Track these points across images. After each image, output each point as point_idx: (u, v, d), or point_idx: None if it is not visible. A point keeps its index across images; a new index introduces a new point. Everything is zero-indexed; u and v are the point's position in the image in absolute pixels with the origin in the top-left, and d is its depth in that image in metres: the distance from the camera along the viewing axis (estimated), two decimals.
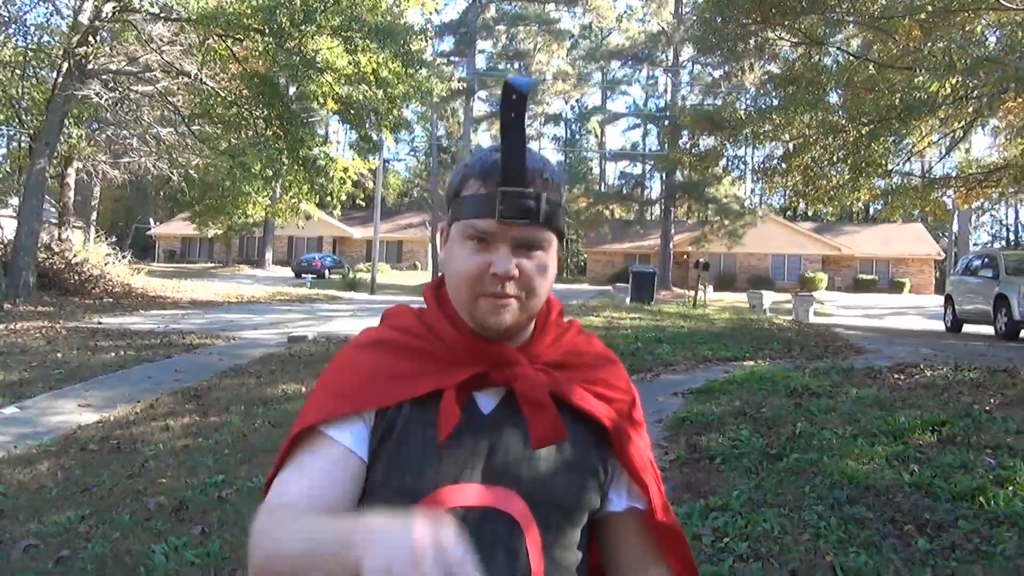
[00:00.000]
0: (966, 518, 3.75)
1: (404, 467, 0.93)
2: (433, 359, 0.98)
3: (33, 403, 6.52)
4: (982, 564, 3.32)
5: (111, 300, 16.88)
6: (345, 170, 19.22)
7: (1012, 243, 57.00)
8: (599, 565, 1.07)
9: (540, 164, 0.96)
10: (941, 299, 17.52)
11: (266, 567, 0.79)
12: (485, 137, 56.16)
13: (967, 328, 14.87)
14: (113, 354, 9.10)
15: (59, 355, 8.85)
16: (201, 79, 16.59)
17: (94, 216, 30.60)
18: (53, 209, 24.07)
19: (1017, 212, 57.94)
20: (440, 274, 1.05)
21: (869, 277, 40.16)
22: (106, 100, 16.80)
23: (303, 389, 7.10)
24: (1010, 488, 4.09)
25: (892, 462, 4.65)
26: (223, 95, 17.25)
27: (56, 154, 18.42)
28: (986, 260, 14.52)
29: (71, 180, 22.67)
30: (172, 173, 22.41)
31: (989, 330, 13.65)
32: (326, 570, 0.70)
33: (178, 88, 17.93)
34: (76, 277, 17.88)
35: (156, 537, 3.63)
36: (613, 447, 1.00)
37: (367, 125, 19.28)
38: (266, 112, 17.14)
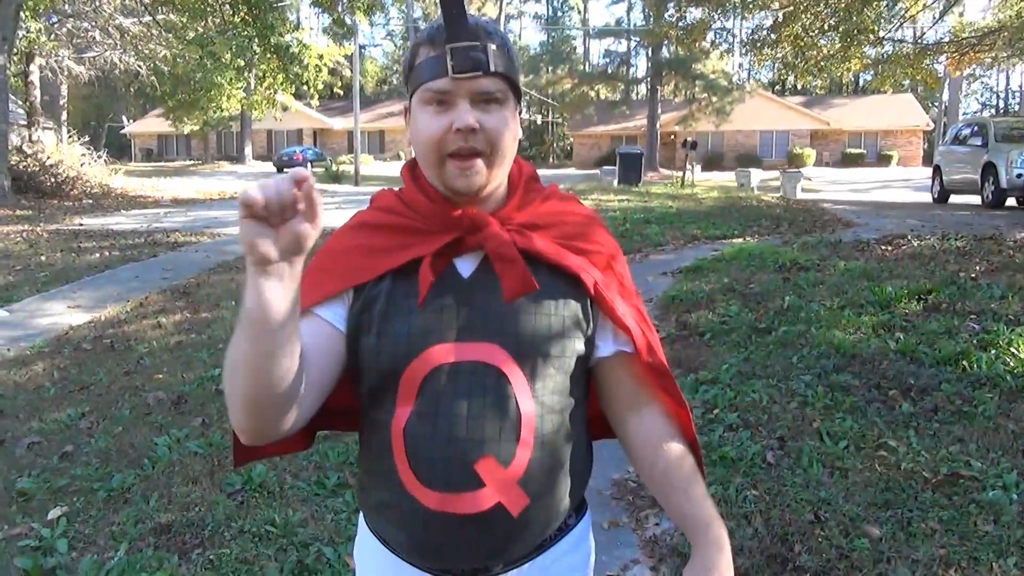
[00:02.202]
0: (949, 382, 3.86)
1: (391, 334, 0.99)
2: (411, 232, 1.03)
3: (21, 306, 6.49)
4: (963, 424, 3.43)
5: (90, 201, 16.58)
6: (320, 57, 18.50)
7: (1002, 111, 56.34)
8: (600, 415, 1.14)
9: (482, 21, 0.99)
10: (928, 171, 17.45)
11: (227, 381, 0.88)
12: None
13: (954, 199, 14.88)
14: (98, 255, 9.01)
15: (43, 258, 8.75)
16: None
17: (64, 116, 29.52)
18: (20, 110, 23.23)
19: (1008, 78, 56.99)
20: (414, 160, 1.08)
21: (857, 151, 39.80)
22: None
23: None
24: (992, 351, 4.18)
25: (878, 331, 4.73)
26: None
27: (16, 50, 17.59)
28: (975, 128, 14.34)
29: (35, 78, 21.77)
30: (140, 67, 21.52)
31: (976, 200, 13.66)
32: (254, 320, 0.80)
33: None
34: (52, 179, 17.46)
35: (157, 430, 3.69)
36: (591, 296, 1.03)
37: (340, 8, 18.40)
38: None
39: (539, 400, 1.00)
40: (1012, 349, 4.17)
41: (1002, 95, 60.10)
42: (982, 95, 60.23)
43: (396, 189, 1.11)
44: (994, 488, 2.84)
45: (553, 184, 1.14)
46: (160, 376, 4.52)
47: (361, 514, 1.12)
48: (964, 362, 4.04)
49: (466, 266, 1.02)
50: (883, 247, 7.84)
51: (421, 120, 0.98)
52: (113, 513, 2.90)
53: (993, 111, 57.18)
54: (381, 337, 0.99)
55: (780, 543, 2.56)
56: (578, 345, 1.03)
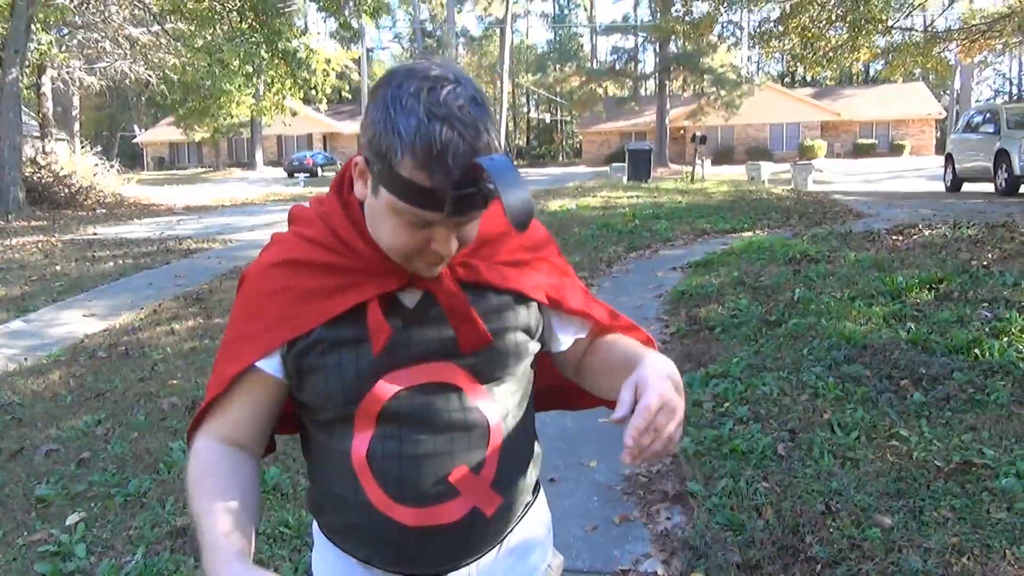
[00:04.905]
0: (961, 370, 3.84)
1: (341, 374, 0.95)
2: (349, 272, 0.95)
3: (37, 316, 6.57)
4: (975, 412, 3.41)
5: (104, 211, 16.74)
6: (328, 61, 18.62)
7: (1015, 97, 55.74)
8: (556, 385, 1.18)
9: (482, 131, 0.82)
10: (941, 160, 17.29)
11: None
12: (470, 19, 53.96)
13: (967, 187, 14.76)
14: (112, 263, 9.10)
15: (58, 268, 8.85)
16: None
17: (77, 127, 29.82)
18: (33, 122, 23.48)
19: (1021, 64, 56.34)
20: (344, 172, 0.98)
21: (868, 141, 39.53)
22: (71, 1, 16.04)
23: None
24: (1005, 339, 4.15)
25: (889, 321, 4.71)
26: None
27: (27, 63, 17.79)
28: (987, 115, 14.22)
29: (47, 90, 21.99)
30: (150, 76, 21.70)
31: (989, 188, 13.54)
32: None
33: None
34: (66, 190, 17.66)
35: (172, 435, 3.73)
36: (539, 302, 1.04)
37: (346, 12, 18.49)
38: (239, 3, 16.39)
39: (501, 405, 1.00)
40: None
41: (1015, 81, 59.48)
42: (994, 82, 59.64)
43: (319, 210, 0.99)
44: (1007, 476, 2.82)
45: None
46: (174, 382, 4.57)
47: (317, 529, 1.09)
48: (976, 350, 4.02)
49: (409, 297, 0.97)
50: (894, 237, 7.79)
51: (392, 226, 0.88)
52: (130, 518, 2.94)
53: (1006, 98, 56.57)
54: (329, 378, 0.95)
55: (791, 534, 2.56)
56: (531, 349, 1.04)
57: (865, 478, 2.90)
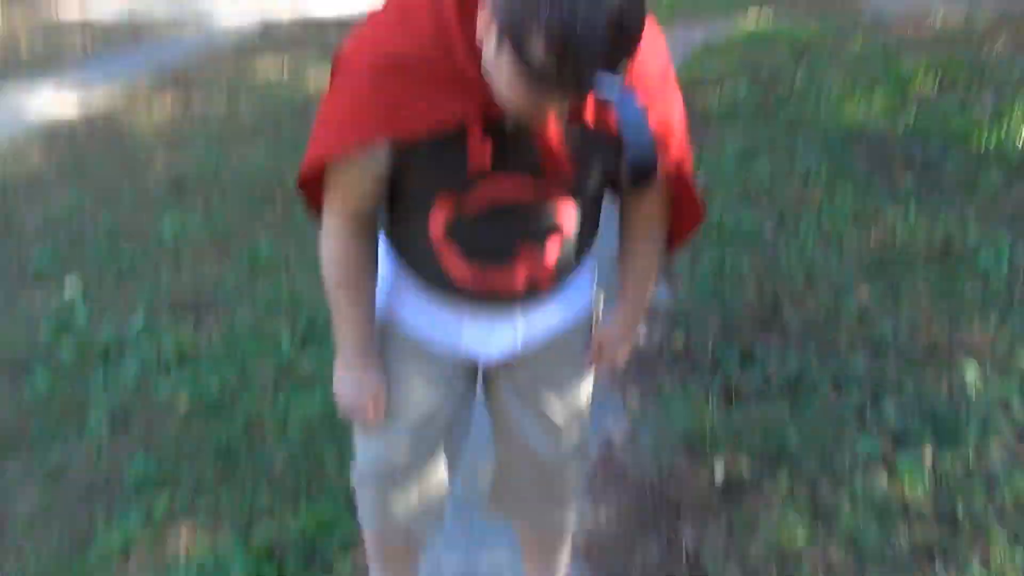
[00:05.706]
0: (955, 159, 3.80)
1: (434, 180, 1.02)
2: (456, 81, 0.93)
3: (4, 98, 6.31)
4: (965, 196, 3.43)
5: None
6: None
7: None
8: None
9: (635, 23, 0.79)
10: None
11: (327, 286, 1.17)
12: None
13: None
14: (79, 40, 8.62)
15: (22, 45, 8.38)
16: None
17: None
18: None
19: None
20: None
21: None
22: None
23: (284, 76, 6.84)
24: (1004, 127, 4.08)
25: (889, 109, 4.61)
26: None
27: None
28: None
29: None
30: None
31: None
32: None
33: None
34: None
35: (161, 212, 3.72)
36: None
37: None
38: None
39: (579, 204, 1.10)
40: None
41: None
42: None
43: (433, 7, 0.92)
44: (987, 256, 2.88)
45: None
46: (157, 161, 4.49)
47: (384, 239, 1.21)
48: (973, 139, 3.96)
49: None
50: (904, 24, 7.43)
51: (511, 86, 0.84)
52: (131, 281, 3.00)
53: None
54: (424, 179, 1.03)
55: (771, 305, 2.66)
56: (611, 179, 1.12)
57: (848, 255, 2.96)
